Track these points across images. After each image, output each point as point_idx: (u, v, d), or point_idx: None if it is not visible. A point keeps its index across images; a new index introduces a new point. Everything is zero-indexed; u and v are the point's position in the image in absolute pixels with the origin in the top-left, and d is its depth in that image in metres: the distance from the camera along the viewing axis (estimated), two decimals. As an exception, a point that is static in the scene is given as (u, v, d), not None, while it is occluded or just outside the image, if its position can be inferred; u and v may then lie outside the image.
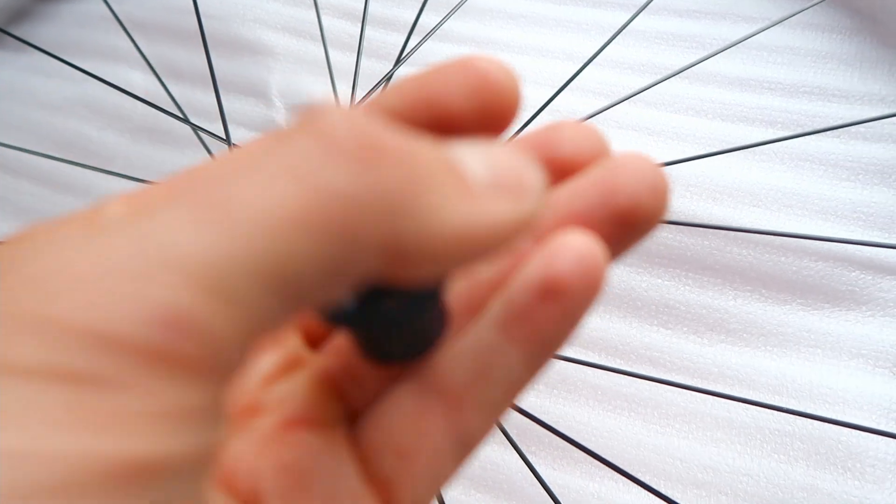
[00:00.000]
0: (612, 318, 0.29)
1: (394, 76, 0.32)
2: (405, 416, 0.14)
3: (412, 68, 0.35)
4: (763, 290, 0.28)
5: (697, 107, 0.32)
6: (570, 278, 0.13)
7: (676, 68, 0.28)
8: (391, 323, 0.12)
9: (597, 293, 0.13)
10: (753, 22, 0.33)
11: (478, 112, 0.13)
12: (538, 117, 0.30)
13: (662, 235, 0.29)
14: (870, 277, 0.28)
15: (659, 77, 0.28)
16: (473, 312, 0.14)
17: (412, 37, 0.33)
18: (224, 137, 0.31)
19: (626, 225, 0.13)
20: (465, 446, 0.14)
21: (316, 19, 0.34)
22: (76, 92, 0.36)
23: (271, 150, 0.10)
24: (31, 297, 0.09)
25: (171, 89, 0.33)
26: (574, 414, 0.27)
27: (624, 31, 0.29)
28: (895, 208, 0.28)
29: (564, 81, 0.29)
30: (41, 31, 0.38)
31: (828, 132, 0.30)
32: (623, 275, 0.29)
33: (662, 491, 0.23)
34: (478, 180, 0.11)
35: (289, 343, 0.15)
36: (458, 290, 0.14)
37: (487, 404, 0.14)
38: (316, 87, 0.35)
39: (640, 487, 0.23)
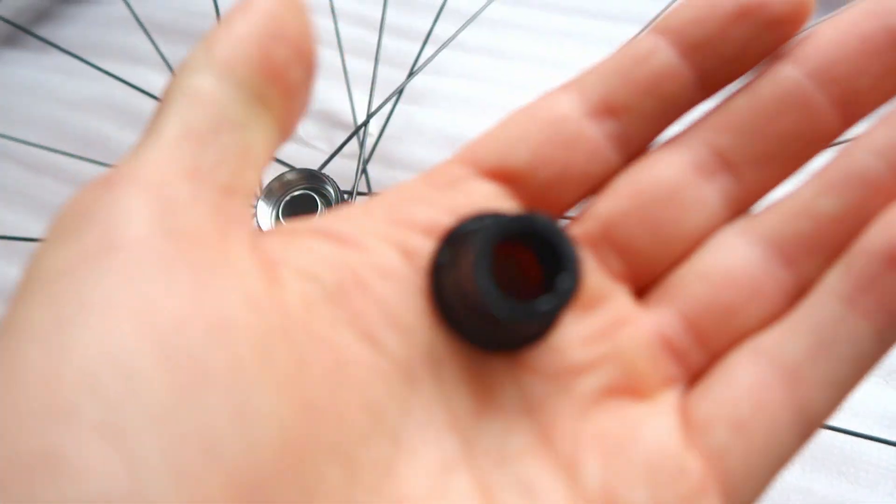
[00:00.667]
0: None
1: (405, 88, 0.33)
2: (741, 387, 0.13)
3: (427, 77, 0.36)
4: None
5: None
6: None
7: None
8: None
9: None
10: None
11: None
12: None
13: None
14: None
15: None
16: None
17: (427, 46, 0.34)
18: (243, 140, 0.32)
19: None
20: (808, 424, 0.13)
21: (333, 27, 0.35)
22: (97, 91, 0.37)
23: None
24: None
25: (190, 92, 0.34)
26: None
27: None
28: None
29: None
30: (64, 31, 0.39)
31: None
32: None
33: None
34: None
35: (613, 301, 0.15)
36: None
37: (832, 380, 0.13)
38: (331, 92, 0.36)
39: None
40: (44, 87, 0.38)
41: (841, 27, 0.14)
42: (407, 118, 0.35)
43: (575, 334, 0.14)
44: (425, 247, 0.14)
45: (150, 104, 0.35)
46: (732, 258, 0.14)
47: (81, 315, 0.11)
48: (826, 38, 0.14)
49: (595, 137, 0.15)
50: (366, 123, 0.32)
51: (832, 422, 0.26)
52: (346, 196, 0.29)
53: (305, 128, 0.35)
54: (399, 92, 0.33)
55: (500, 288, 0.13)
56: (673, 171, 0.15)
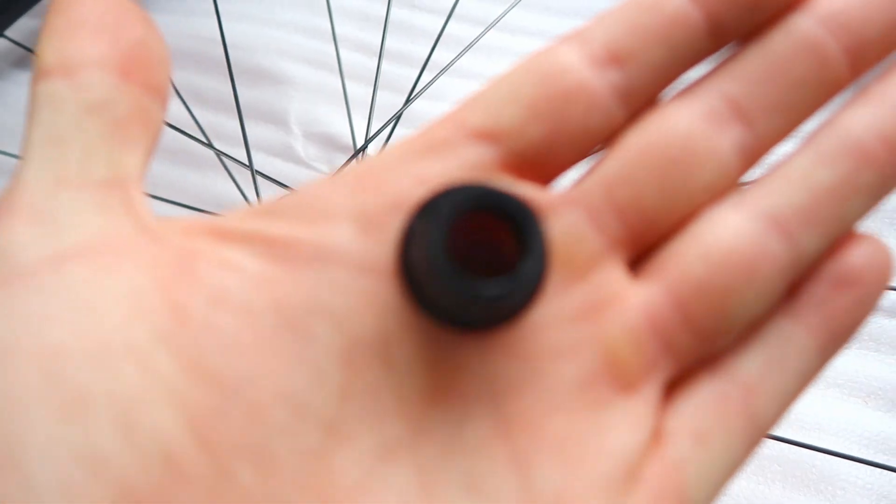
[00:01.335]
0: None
1: (404, 113, 0.34)
2: (705, 401, 0.14)
3: (425, 102, 0.37)
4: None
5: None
6: (863, 266, 0.14)
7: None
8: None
9: (886, 283, 0.14)
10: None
11: None
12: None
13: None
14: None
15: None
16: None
17: (425, 72, 0.35)
18: (247, 163, 0.33)
19: None
20: (757, 434, 0.14)
21: (335, 52, 0.37)
22: (105, 113, 0.38)
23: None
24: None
25: (196, 115, 0.35)
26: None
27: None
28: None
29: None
30: (74, 54, 0.40)
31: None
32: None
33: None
34: None
35: (605, 274, 0.14)
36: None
37: (781, 392, 0.14)
38: (332, 116, 0.37)
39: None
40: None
41: None
42: (405, 141, 0.36)
43: (558, 310, 0.13)
44: (391, 220, 0.13)
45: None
46: (731, 234, 0.14)
47: None
48: None
49: (597, 88, 0.14)
50: (365, 147, 0.33)
51: (811, 442, 0.27)
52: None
53: (306, 149, 0.37)
54: (397, 117, 0.34)
55: (469, 263, 0.12)
56: (685, 122, 0.14)
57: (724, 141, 0.14)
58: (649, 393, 0.13)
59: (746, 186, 0.14)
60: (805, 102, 0.14)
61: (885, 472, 0.26)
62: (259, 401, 0.12)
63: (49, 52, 0.13)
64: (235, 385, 0.12)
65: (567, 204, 0.14)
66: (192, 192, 0.36)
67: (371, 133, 0.34)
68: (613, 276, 0.14)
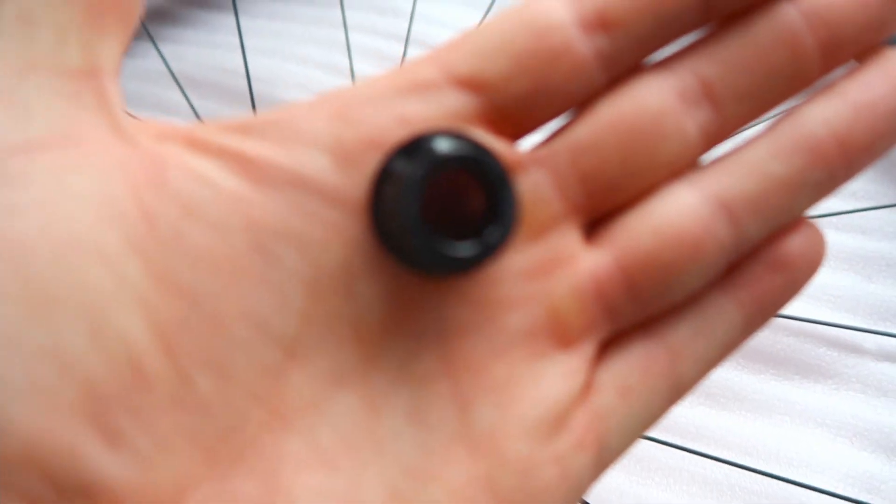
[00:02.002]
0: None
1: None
2: (634, 360, 0.14)
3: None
4: (741, 360, 0.31)
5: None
6: (797, 254, 0.14)
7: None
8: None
9: (814, 271, 0.15)
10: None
11: None
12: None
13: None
14: (835, 354, 0.31)
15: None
16: None
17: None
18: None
19: None
20: (677, 394, 0.15)
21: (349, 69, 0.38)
22: (130, 138, 0.39)
23: None
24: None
25: (217, 143, 0.37)
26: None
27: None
28: (860, 293, 0.32)
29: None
30: (102, 81, 0.42)
31: (804, 221, 0.33)
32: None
33: (639, 535, 0.26)
34: None
35: (561, 236, 0.14)
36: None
37: (703, 359, 0.15)
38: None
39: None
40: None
41: None
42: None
43: (513, 265, 0.14)
44: (368, 157, 0.13)
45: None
46: (682, 213, 0.14)
47: None
48: None
49: (582, 53, 0.14)
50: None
51: (799, 478, 0.28)
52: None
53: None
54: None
55: (438, 212, 0.12)
56: (657, 97, 0.14)
57: (691, 121, 0.14)
58: (585, 350, 0.14)
59: (704, 167, 0.15)
60: (774, 93, 0.14)
61: (870, 510, 0.27)
62: (223, 316, 0.12)
63: None
64: (202, 299, 0.12)
65: (534, 164, 0.14)
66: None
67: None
68: (568, 240, 0.14)
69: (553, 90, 0.14)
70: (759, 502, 0.28)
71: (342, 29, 0.40)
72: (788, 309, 0.31)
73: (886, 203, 0.33)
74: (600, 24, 0.14)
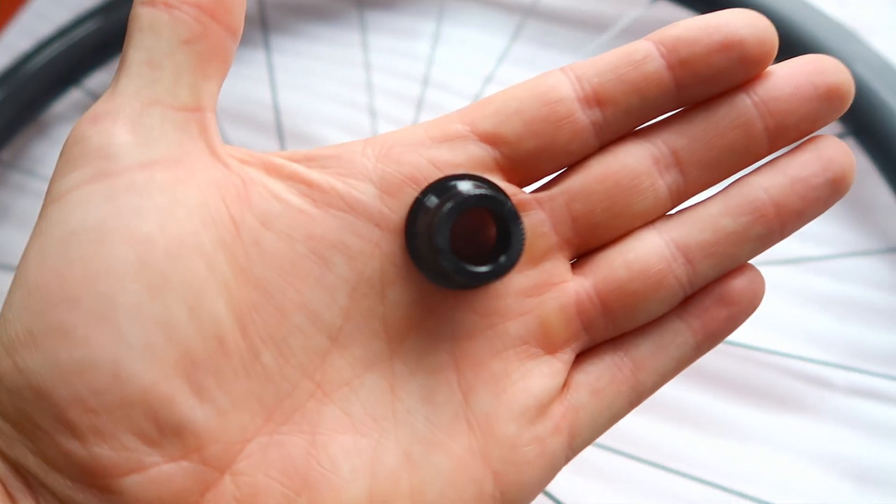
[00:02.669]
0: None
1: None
2: (604, 367, 0.18)
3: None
4: (724, 391, 0.34)
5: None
6: (740, 293, 0.18)
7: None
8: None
9: (755, 307, 0.18)
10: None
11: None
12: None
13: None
14: (812, 389, 0.33)
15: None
16: None
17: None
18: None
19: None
20: (637, 399, 0.18)
21: (370, 125, 0.41)
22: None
23: None
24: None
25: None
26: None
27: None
28: (835, 332, 0.34)
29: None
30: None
31: (783, 263, 0.36)
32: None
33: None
34: None
35: (554, 264, 0.17)
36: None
37: (660, 372, 0.18)
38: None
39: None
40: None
41: (787, 74, 0.17)
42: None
43: (515, 285, 0.17)
44: (406, 190, 0.16)
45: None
46: (651, 253, 0.17)
47: (84, 231, 0.14)
48: (775, 80, 0.17)
49: (582, 122, 0.17)
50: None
51: (776, 502, 0.30)
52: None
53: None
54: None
55: (460, 235, 0.15)
56: (636, 160, 0.17)
57: (662, 181, 0.17)
58: (566, 356, 0.18)
59: (669, 218, 0.18)
60: (729, 165, 0.18)
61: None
62: (286, 305, 0.16)
63: None
64: (271, 290, 0.16)
65: (537, 204, 0.18)
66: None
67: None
68: (559, 267, 0.18)
69: (556, 149, 0.17)
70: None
71: (364, 69, 0.43)
72: (768, 344, 0.33)
73: (859, 250, 0.36)
74: (596, 101, 0.17)
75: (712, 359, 0.34)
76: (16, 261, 0.39)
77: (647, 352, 0.18)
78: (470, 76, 0.42)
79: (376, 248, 0.17)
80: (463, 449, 0.16)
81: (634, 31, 0.42)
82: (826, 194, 0.17)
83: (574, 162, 0.18)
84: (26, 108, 0.41)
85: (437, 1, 0.45)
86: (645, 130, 0.18)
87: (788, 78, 0.17)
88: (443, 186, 0.16)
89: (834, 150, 0.17)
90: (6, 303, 0.15)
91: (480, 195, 0.15)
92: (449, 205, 0.15)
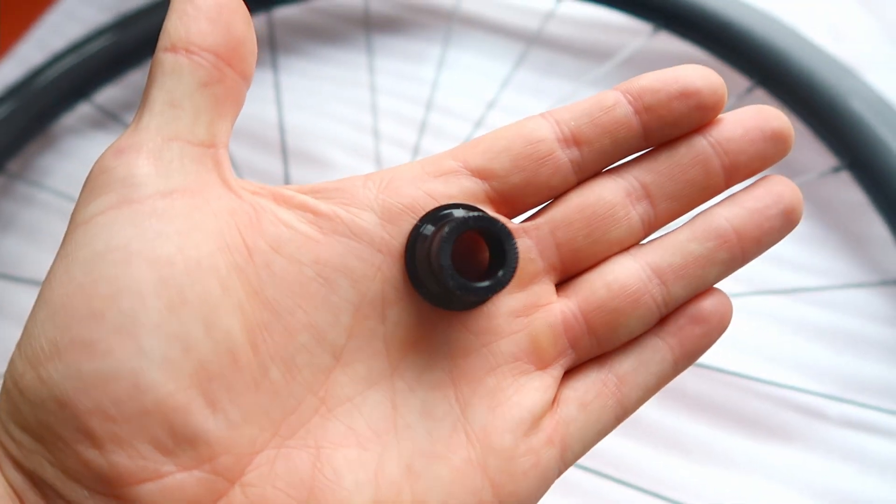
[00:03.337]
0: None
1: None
2: (591, 382, 0.19)
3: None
4: (714, 419, 0.34)
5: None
6: (710, 312, 0.19)
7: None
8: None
9: (725, 326, 0.19)
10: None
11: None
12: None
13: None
14: (805, 420, 0.33)
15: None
16: None
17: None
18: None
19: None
20: (622, 413, 0.19)
21: (374, 146, 0.42)
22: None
23: None
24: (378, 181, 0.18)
25: (249, 186, 0.40)
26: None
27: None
28: (829, 363, 0.34)
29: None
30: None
31: (779, 294, 0.36)
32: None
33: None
34: None
35: (541, 287, 0.19)
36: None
37: (643, 386, 0.19)
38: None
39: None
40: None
41: (737, 120, 0.19)
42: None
43: (506, 306, 0.19)
44: (405, 218, 0.18)
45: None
46: (628, 275, 0.19)
47: (108, 252, 0.15)
48: (727, 124, 0.19)
49: (561, 159, 0.19)
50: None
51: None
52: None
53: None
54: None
55: (456, 259, 0.16)
56: (611, 193, 0.19)
57: (634, 211, 0.19)
58: (555, 371, 0.19)
59: (643, 245, 0.20)
60: (692, 197, 0.19)
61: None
62: (294, 325, 0.17)
63: (176, 30, 0.17)
64: (280, 311, 0.17)
65: (524, 232, 0.19)
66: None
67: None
68: (545, 290, 0.19)
69: (540, 183, 0.19)
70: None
71: (370, 91, 0.44)
72: (762, 373, 0.34)
73: (854, 282, 0.36)
74: (574, 141, 0.19)
75: (705, 387, 0.34)
76: (20, 271, 0.40)
77: (630, 368, 0.19)
78: (473, 101, 0.43)
79: (378, 271, 0.18)
80: (462, 460, 0.17)
81: (636, 61, 0.43)
82: (780, 224, 0.19)
83: (555, 195, 0.19)
84: (36, 120, 0.42)
85: (444, 26, 0.46)
86: (617, 168, 0.20)
87: (738, 123, 0.19)
88: (440, 214, 0.18)
89: (783, 187, 0.19)
90: (30, 319, 0.16)
91: (478, 216, 0.17)
92: (449, 227, 0.16)
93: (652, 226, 0.20)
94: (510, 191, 0.19)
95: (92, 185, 0.16)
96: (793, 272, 0.37)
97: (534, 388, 0.18)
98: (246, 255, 0.17)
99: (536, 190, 0.19)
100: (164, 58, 0.17)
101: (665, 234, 0.20)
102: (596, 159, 0.19)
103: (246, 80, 0.18)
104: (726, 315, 0.20)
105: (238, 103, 0.18)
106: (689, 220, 0.20)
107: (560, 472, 0.19)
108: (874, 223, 0.37)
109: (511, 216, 0.19)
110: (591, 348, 0.19)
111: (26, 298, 0.39)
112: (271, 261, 0.17)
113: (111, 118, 0.45)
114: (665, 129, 0.19)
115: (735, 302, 0.20)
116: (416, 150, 0.42)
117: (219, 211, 0.17)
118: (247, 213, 0.17)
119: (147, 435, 0.15)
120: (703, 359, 0.34)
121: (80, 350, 0.15)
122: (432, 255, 0.17)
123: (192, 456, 0.15)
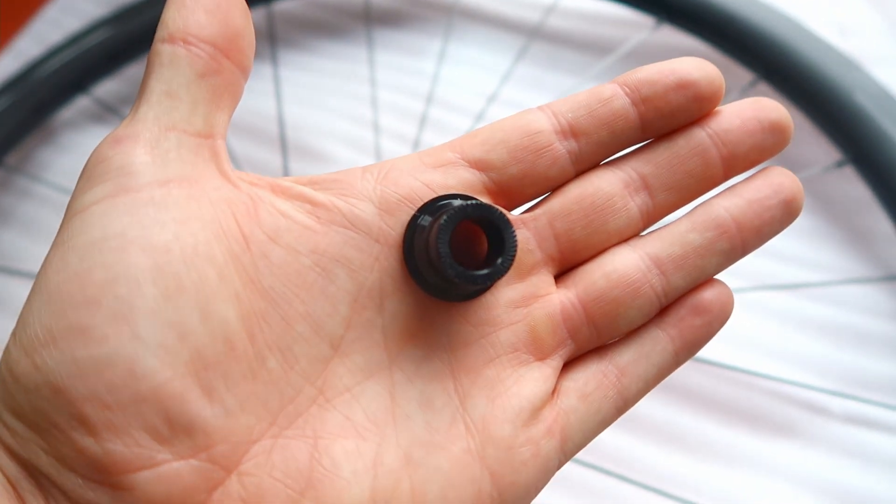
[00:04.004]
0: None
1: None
2: (591, 373, 0.19)
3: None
4: (717, 415, 0.34)
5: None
6: (710, 302, 0.19)
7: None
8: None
9: (727, 318, 0.19)
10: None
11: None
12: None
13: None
14: (805, 415, 0.33)
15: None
16: None
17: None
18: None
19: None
20: (623, 404, 0.19)
21: (374, 139, 0.42)
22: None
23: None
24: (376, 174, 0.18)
25: (249, 180, 0.40)
26: (541, 499, 0.31)
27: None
28: (831, 358, 0.34)
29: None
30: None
31: (782, 289, 0.36)
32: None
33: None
34: None
35: (539, 278, 0.19)
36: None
37: (644, 378, 0.19)
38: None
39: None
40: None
41: (734, 111, 0.19)
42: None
43: (504, 297, 0.18)
44: (403, 209, 0.18)
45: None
46: (627, 265, 0.19)
47: (105, 240, 0.15)
48: (725, 116, 0.19)
49: (559, 151, 0.19)
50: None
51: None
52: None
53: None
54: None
55: (454, 251, 0.16)
56: (609, 184, 0.19)
57: (633, 202, 0.19)
58: (555, 362, 0.19)
59: (642, 236, 0.20)
60: (691, 188, 0.19)
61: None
62: (291, 314, 0.17)
63: (174, 21, 0.17)
64: (277, 300, 0.17)
65: (522, 224, 0.19)
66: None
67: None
68: (544, 281, 0.19)
69: (537, 174, 0.19)
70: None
71: (370, 85, 0.44)
72: (765, 369, 0.33)
73: (857, 278, 0.36)
74: (571, 133, 0.19)
75: (708, 383, 0.34)
76: (19, 265, 0.40)
77: (630, 359, 0.19)
78: (474, 95, 0.42)
79: (376, 262, 0.18)
80: (461, 450, 0.17)
81: (639, 55, 0.43)
82: (780, 214, 0.19)
83: (554, 187, 0.19)
84: (34, 113, 0.42)
85: (444, 20, 0.46)
86: (615, 160, 0.20)
87: (736, 114, 0.19)
88: (437, 204, 0.18)
89: (783, 178, 0.19)
90: (25, 307, 0.16)
91: (476, 205, 0.16)
92: (447, 215, 0.16)
93: (651, 217, 0.20)
94: (508, 182, 0.19)
95: (89, 174, 0.16)
96: (796, 267, 0.37)
97: (533, 379, 0.18)
98: (243, 244, 0.17)
99: (534, 181, 0.19)
100: (162, 49, 0.17)
101: (664, 226, 0.19)
102: (594, 151, 0.19)
103: (244, 71, 0.18)
104: (727, 305, 0.19)
105: (236, 95, 0.18)
106: (689, 211, 0.20)
107: (561, 464, 0.18)
108: (878, 218, 0.37)
109: (509, 208, 0.19)
110: (591, 339, 0.19)
111: (24, 292, 0.39)
112: (268, 250, 0.17)
113: (109, 111, 0.45)
114: (663, 121, 0.19)
115: (738, 297, 0.20)
116: (416, 143, 0.42)
117: (216, 200, 0.17)
118: (244, 202, 0.17)
119: (142, 422, 0.15)
120: (705, 354, 0.34)
121: (75, 336, 0.15)
122: (430, 244, 0.16)
123: (188, 444, 0.15)
